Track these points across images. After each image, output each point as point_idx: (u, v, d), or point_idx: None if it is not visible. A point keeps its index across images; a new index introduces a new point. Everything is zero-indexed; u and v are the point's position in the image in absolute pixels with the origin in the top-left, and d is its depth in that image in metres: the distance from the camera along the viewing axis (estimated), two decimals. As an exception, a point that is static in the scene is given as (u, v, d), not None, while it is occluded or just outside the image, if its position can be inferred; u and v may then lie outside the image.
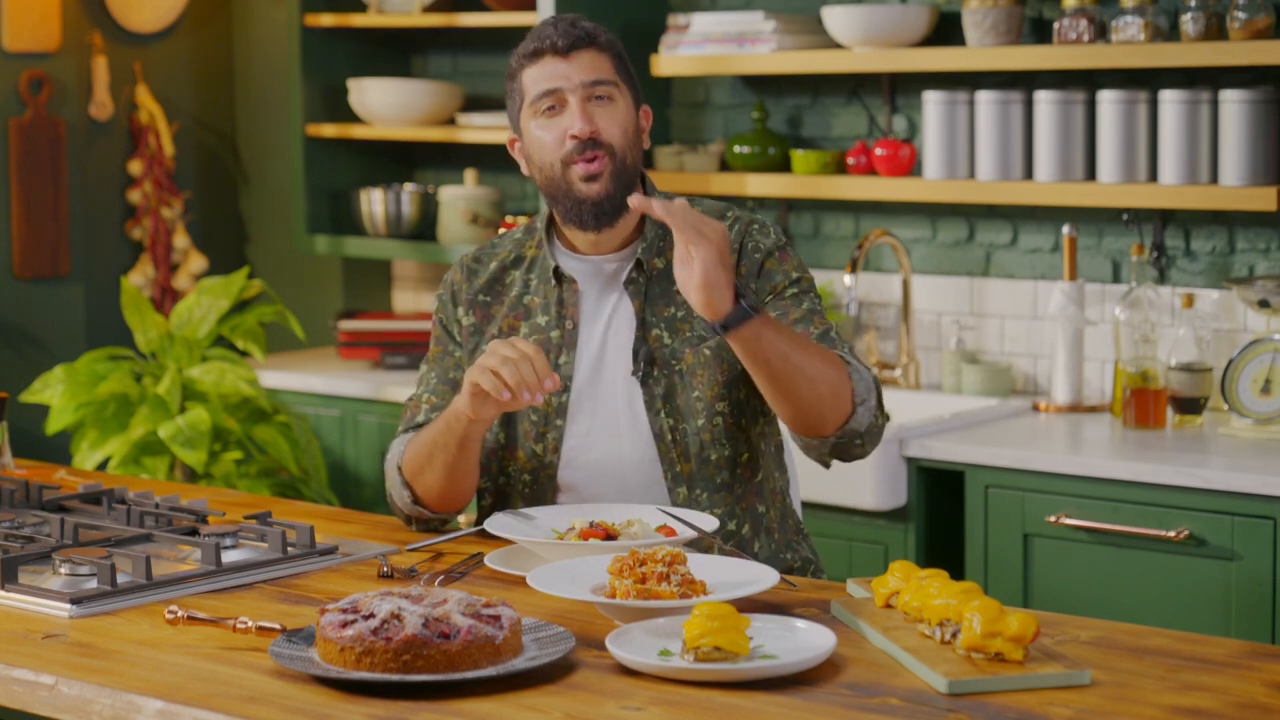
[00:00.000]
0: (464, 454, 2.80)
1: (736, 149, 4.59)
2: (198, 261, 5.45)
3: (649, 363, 2.87)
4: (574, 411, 2.89)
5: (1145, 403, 3.98)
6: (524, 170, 2.93)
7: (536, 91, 2.86)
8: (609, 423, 2.88)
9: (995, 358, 4.44)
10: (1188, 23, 3.94)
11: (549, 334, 2.91)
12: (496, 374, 2.65)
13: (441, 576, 2.64)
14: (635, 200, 2.63)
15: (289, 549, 2.73)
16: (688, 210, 2.59)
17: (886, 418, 2.83)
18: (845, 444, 2.78)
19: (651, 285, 2.90)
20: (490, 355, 2.67)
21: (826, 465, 2.85)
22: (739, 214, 2.95)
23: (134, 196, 5.40)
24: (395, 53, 5.35)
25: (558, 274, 2.92)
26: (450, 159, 5.35)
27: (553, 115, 2.85)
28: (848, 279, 4.34)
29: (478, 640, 2.16)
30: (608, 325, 2.91)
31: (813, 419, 2.73)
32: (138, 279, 5.35)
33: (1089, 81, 4.23)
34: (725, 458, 2.87)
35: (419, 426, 2.94)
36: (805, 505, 3.98)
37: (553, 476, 2.90)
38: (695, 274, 2.58)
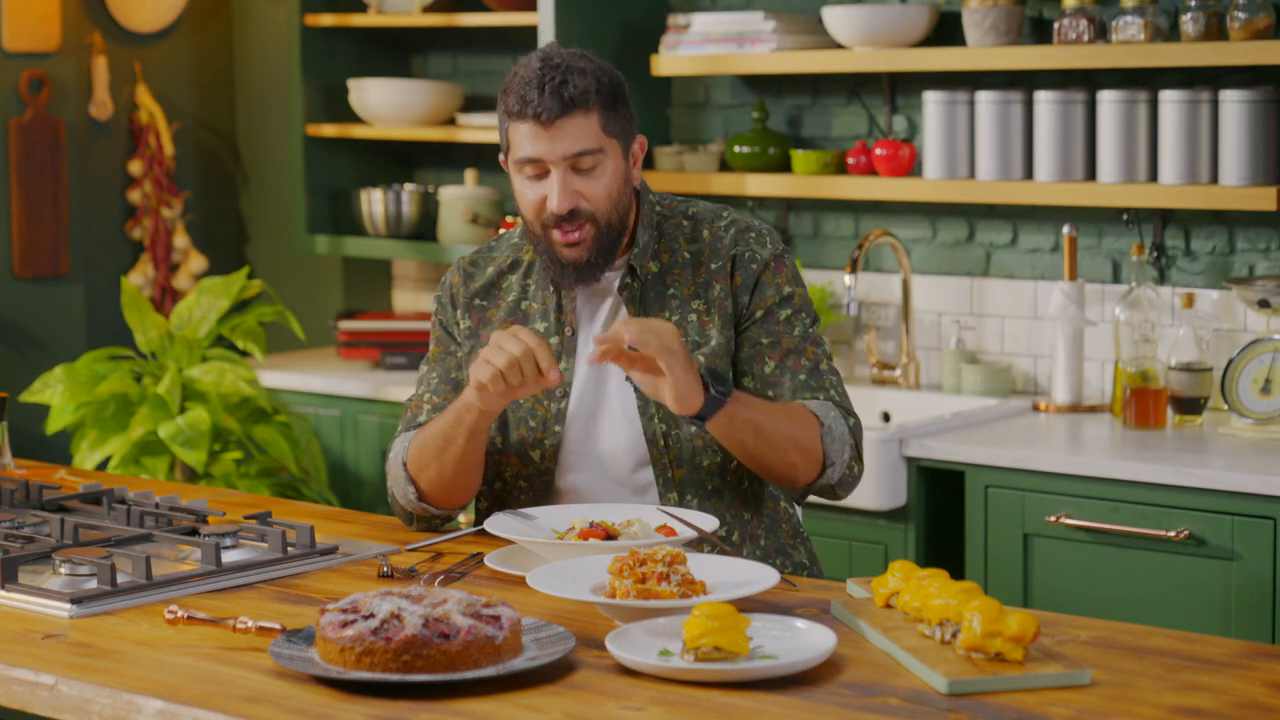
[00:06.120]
0: (473, 445, 2.80)
1: (736, 149, 4.59)
2: (198, 261, 5.45)
3: None
4: (572, 417, 2.89)
5: (1145, 403, 3.98)
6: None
7: (519, 155, 2.81)
8: (606, 428, 2.88)
9: (995, 358, 4.44)
10: (1188, 23, 3.94)
11: (548, 340, 2.91)
12: (503, 376, 2.65)
13: (441, 576, 2.64)
14: (594, 358, 2.64)
15: (289, 549, 2.73)
16: (644, 331, 2.60)
17: (862, 467, 2.89)
18: (818, 493, 2.87)
19: (645, 291, 2.90)
20: (494, 350, 2.67)
21: (800, 503, 2.94)
22: (734, 217, 2.94)
23: (134, 196, 5.40)
24: (395, 53, 5.35)
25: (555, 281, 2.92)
26: (450, 159, 5.35)
27: (535, 179, 2.82)
28: (848, 279, 4.34)
29: (478, 640, 2.16)
30: (604, 331, 2.90)
31: (784, 479, 2.82)
32: (138, 279, 5.35)
33: (1089, 81, 4.23)
34: (717, 464, 2.87)
35: (420, 426, 2.94)
36: (806, 505, 3.97)
37: (550, 482, 2.90)
38: (667, 393, 2.63)
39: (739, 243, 2.90)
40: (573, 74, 2.78)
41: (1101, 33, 4.08)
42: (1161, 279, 4.20)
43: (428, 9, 5.03)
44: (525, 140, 2.79)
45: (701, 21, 4.58)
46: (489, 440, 2.91)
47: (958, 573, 3.85)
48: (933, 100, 4.30)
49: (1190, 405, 4.01)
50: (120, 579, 2.56)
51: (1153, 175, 4.09)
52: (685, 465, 2.86)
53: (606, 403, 2.89)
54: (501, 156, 2.91)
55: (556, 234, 2.82)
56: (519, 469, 2.91)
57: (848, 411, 2.86)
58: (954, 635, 2.23)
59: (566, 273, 2.85)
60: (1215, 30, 3.92)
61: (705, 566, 2.49)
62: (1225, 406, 3.97)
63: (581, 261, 2.83)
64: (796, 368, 2.86)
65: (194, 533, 2.83)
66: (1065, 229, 4.20)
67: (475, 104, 5.21)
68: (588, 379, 2.89)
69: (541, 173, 2.80)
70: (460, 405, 2.78)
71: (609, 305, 2.91)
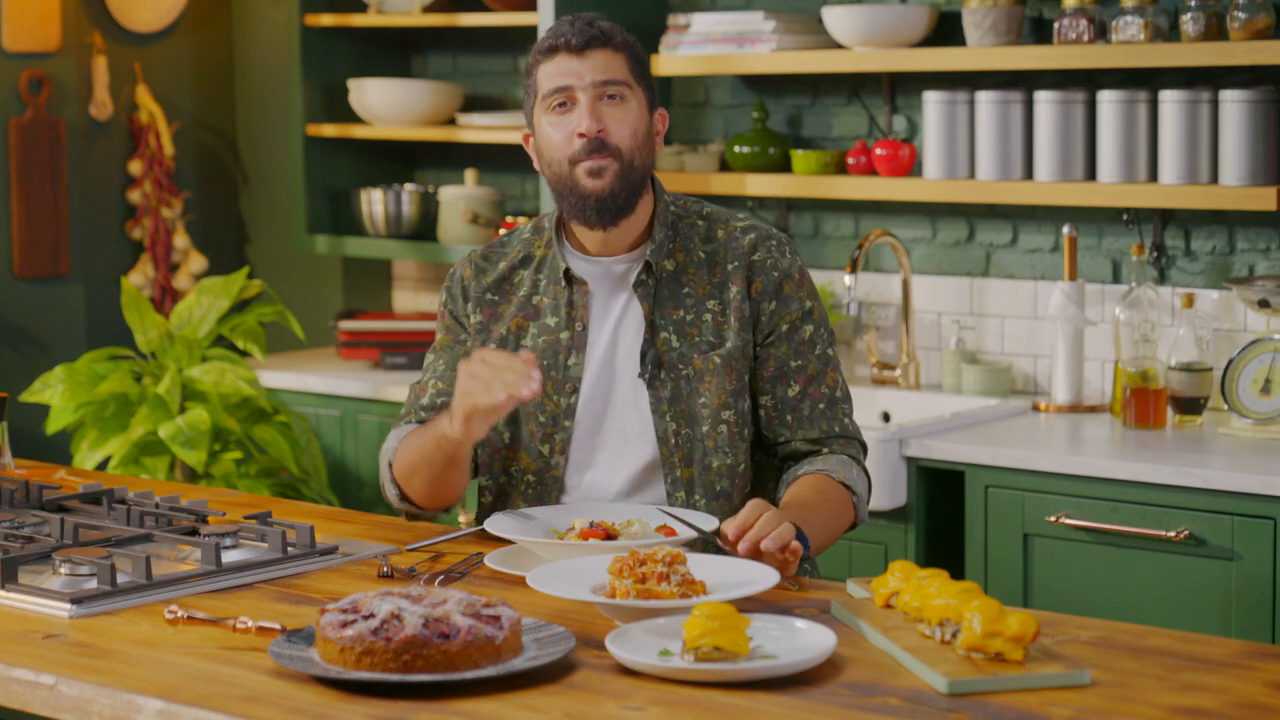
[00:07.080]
0: (452, 469, 2.79)
1: (736, 149, 4.59)
2: (198, 261, 5.45)
3: (656, 365, 2.87)
4: (582, 413, 2.89)
5: (1145, 403, 3.98)
6: (536, 165, 2.93)
7: (549, 88, 2.85)
8: (616, 425, 2.88)
9: (995, 358, 4.44)
10: (1188, 23, 3.94)
11: (559, 335, 2.91)
12: (483, 401, 2.62)
13: (441, 576, 2.64)
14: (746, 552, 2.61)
15: (289, 549, 2.73)
16: (782, 535, 2.58)
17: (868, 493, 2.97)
18: None
19: (660, 288, 2.90)
20: (466, 379, 2.63)
21: None
22: (752, 222, 2.95)
23: (134, 196, 5.40)
24: (395, 53, 5.35)
25: (568, 275, 2.91)
26: (450, 159, 5.35)
27: (563, 113, 2.85)
28: (848, 279, 4.34)
29: (478, 640, 2.16)
30: (617, 327, 2.90)
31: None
32: (138, 279, 5.35)
33: (1089, 81, 4.23)
34: (726, 466, 2.87)
35: (422, 409, 2.94)
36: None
37: (558, 478, 2.90)
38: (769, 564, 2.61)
39: (759, 248, 2.91)
40: (600, 19, 2.89)
41: (1101, 33, 4.08)
42: (1161, 279, 4.20)
43: (428, 9, 5.03)
44: (555, 74, 2.85)
45: (701, 21, 4.58)
46: (497, 436, 2.91)
47: (958, 573, 3.85)
48: (933, 100, 4.30)
49: (1190, 405, 4.01)
50: (120, 579, 2.56)
51: (1153, 175, 4.09)
52: (695, 465, 2.86)
53: (617, 400, 2.89)
54: (525, 133, 2.94)
55: (583, 164, 2.83)
56: (527, 463, 2.91)
57: (860, 445, 2.94)
58: (954, 635, 2.23)
59: (588, 207, 2.84)
60: (1215, 30, 3.92)
61: (705, 566, 2.49)
62: (1225, 406, 3.97)
63: (604, 193, 2.83)
64: (818, 395, 2.91)
65: (194, 533, 2.83)
66: (1065, 229, 4.20)
67: (475, 104, 5.21)
68: (598, 375, 2.89)
69: (570, 102, 2.84)
70: (439, 436, 2.75)
71: (622, 301, 2.91)
